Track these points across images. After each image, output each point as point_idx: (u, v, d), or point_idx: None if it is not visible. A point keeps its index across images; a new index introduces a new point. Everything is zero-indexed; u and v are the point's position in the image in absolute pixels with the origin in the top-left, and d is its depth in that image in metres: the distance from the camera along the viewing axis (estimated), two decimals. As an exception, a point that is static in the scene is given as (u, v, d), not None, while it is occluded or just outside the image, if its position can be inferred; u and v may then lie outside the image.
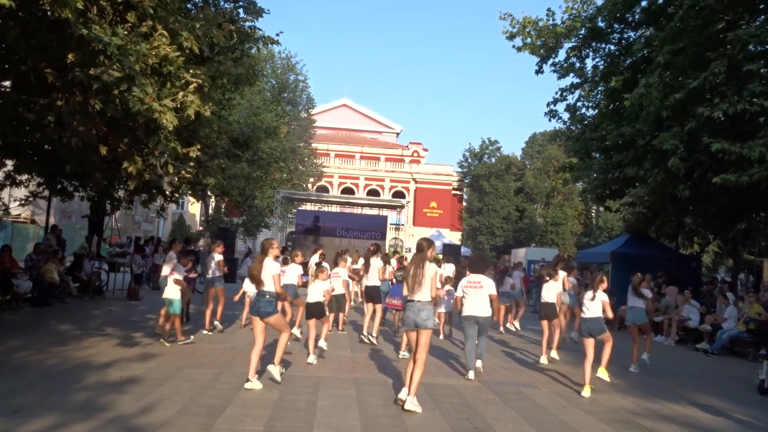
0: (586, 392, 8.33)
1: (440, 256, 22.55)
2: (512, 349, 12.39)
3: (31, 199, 16.92)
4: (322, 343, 9.40)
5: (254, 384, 7.36)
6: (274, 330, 7.76)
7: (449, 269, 17.93)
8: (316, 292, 9.45)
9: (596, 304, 8.65)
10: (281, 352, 7.78)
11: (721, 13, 14.48)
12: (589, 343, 8.63)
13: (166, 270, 10.47)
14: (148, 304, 15.35)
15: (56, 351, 8.78)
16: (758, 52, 13.96)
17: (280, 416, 6.16)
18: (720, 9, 14.21)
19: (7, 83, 10.06)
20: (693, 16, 14.18)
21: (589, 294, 8.78)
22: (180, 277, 10.17)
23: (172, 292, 10.02)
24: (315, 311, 9.36)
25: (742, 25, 14.34)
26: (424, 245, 7.24)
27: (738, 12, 14.67)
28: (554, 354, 11.15)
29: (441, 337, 12.93)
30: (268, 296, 7.57)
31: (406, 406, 6.75)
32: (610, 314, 8.78)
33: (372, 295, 11.87)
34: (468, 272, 9.69)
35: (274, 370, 7.64)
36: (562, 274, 12.09)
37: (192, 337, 10.28)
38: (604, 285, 8.82)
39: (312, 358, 9.13)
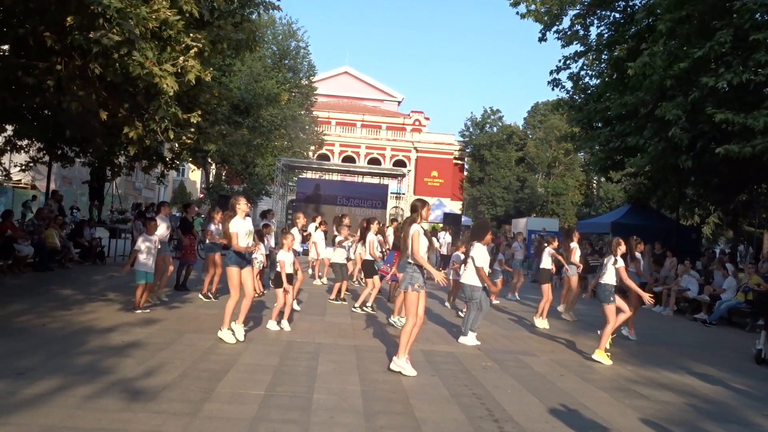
0: (595, 356, 8.56)
1: (440, 226, 22.60)
2: (511, 317, 12.47)
3: (31, 164, 16.88)
4: (284, 324, 9.13)
5: (224, 334, 7.89)
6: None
7: (446, 238, 18.01)
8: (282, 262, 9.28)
9: (611, 270, 8.73)
10: (244, 313, 8.08)
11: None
12: (608, 308, 8.76)
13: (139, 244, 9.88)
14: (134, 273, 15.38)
15: (58, 315, 8.83)
16: (765, 22, 13.78)
17: (281, 381, 6.21)
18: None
19: (6, 47, 9.96)
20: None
21: (611, 259, 8.88)
22: (142, 247, 9.67)
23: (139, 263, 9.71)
24: (275, 281, 9.27)
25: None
26: (417, 206, 7.19)
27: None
28: (545, 323, 11.29)
29: (446, 305, 13.03)
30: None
31: (391, 366, 6.94)
32: (628, 281, 8.79)
33: (366, 269, 11.99)
34: (471, 240, 9.74)
35: (238, 329, 7.96)
36: (573, 245, 12.22)
37: (148, 309, 9.78)
38: (622, 249, 8.88)
39: (272, 324, 9.06)
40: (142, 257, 9.61)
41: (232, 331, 7.94)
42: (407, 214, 7.70)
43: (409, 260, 6.96)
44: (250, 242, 8.14)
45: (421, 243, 6.89)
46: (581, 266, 12.58)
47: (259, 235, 11.64)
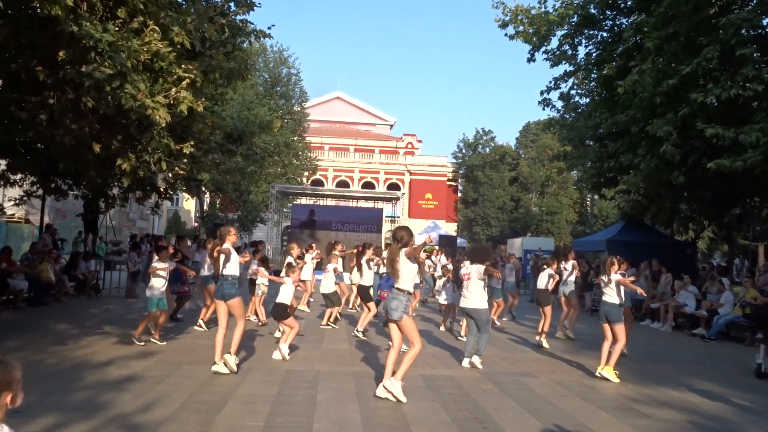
0: (605, 372, 8.54)
1: (435, 248, 22.58)
2: (510, 338, 12.42)
3: (25, 198, 16.85)
4: (277, 355, 8.96)
5: (220, 367, 7.70)
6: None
7: (442, 260, 18.01)
8: (284, 293, 9.27)
9: (614, 289, 8.74)
10: (237, 342, 7.94)
11: (712, -2, 14.48)
12: (606, 327, 8.79)
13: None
14: (146, 301, 15.30)
15: (54, 350, 8.76)
16: (751, 37, 13.96)
17: (280, 411, 6.15)
18: (710, -6, 14.21)
19: (-1, 82, 9.99)
20: (683, 2, 14.16)
21: (604, 278, 8.92)
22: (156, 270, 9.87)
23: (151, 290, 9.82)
24: (275, 312, 9.21)
25: (734, 10, 14.33)
26: (404, 236, 7.06)
27: (730, -4, 14.67)
28: (544, 343, 11.24)
29: (441, 329, 12.97)
30: (230, 278, 7.91)
31: (385, 385, 6.80)
32: (634, 288, 8.97)
33: (362, 294, 12.04)
34: (467, 263, 9.71)
35: (231, 359, 7.80)
36: (570, 263, 12.25)
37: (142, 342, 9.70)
38: (616, 267, 8.89)
39: (285, 351, 8.96)
40: (154, 283, 9.78)
41: (225, 361, 7.82)
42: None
43: (398, 287, 6.96)
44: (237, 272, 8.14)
45: (408, 269, 6.96)
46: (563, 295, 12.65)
47: (265, 262, 11.67)
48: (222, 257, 7.92)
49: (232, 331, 8.02)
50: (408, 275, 6.98)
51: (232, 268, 7.97)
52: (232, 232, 8.14)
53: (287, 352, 8.96)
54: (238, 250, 9.04)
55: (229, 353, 7.88)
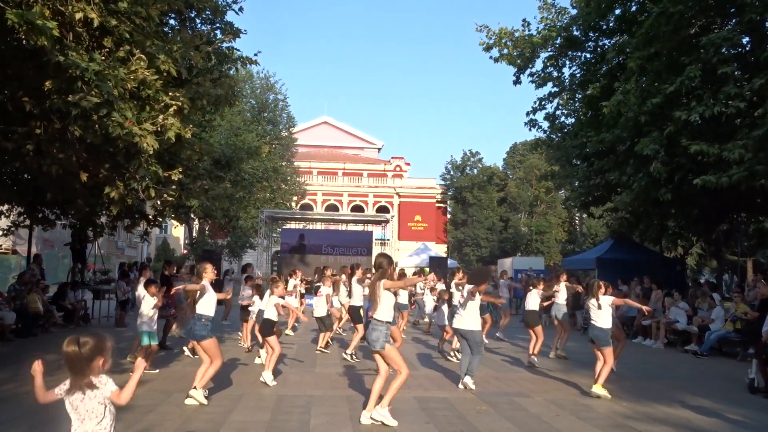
0: (595, 389, 8.57)
1: (427, 270, 22.58)
2: (503, 358, 12.39)
3: (12, 229, 16.72)
4: (267, 377, 8.89)
5: (193, 397, 7.45)
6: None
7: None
8: (269, 309, 9.21)
9: (604, 313, 8.73)
10: (207, 378, 7.59)
11: (693, 19, 14.69)
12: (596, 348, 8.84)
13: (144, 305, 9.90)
14: (135, 330, 15.16)
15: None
16: (731, 55, 14.16)
17: (273, 437, 6.09)
18: (691, 15, 14.42)
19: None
20: (663, 23, 14.37)
21: (593, 302, 8.87)
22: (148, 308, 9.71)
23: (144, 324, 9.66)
24: (262, 328, 9.20)
25: (714, 29, 14.55)
26: (383, 263, 6.96)
27: (710, 16, 14.88)
28: (534, 360, 11.28)
29: (442, 346, 12.98)
30: (203, 320, 7.63)
31: (373, 416, 6.70)
32: (636, 305, 9.54)
33: (353, 315, 12.08)
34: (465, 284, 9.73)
35: (197, 394, 7.49)
36: (561, 285, 12.28)
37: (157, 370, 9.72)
38: (603, 291, 8.88)
39: (269, 378, 8.88)
40: (144, 318, 9.58)
41: (191, 396, 7.54)
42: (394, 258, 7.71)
43: (377, 317, 6.84)
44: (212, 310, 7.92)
45: (387, 300, 6.87)
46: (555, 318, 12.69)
47: (258, 288, 11.62)
48: (197, 294, 7.72)
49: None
50: (386, 305, 6.86)
51: (206, 307, 7.71)
52: (208, 269, 7.91)
53: (271, 378, 8.89)
54: (220, 283, 8.93)
55: (194, 387, 7.54)
